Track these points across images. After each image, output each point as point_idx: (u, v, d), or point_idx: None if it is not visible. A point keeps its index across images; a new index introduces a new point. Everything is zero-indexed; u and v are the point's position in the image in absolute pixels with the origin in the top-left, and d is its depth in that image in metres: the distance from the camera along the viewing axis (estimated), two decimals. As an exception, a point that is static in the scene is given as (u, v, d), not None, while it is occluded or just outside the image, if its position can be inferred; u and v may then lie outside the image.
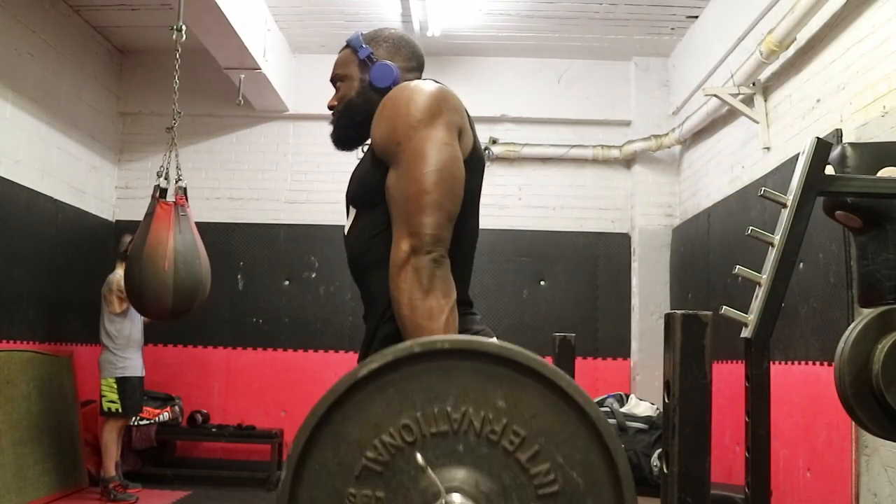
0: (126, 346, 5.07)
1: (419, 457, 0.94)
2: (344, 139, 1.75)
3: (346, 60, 1.72)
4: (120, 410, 4.98)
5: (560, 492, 0.94)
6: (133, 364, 5.09)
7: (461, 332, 1.52)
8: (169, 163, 4.21)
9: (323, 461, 0.97)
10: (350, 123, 1.71)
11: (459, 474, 0.94)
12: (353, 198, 1.62)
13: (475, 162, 1.57)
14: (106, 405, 4.97)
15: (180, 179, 4.23)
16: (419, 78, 1.73)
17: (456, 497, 0.93)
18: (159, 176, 4.18)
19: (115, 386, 4.98)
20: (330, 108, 1.74)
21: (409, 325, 1.38)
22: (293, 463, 0.97)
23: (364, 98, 1.67)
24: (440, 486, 0.93)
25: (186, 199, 4.22)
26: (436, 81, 1.60)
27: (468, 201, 1.53)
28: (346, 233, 1.65)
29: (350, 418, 0.97)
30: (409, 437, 0.95)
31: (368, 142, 1.68)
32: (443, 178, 1.44)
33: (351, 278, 1.71)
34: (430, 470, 0.94)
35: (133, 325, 5.11)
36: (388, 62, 1.67)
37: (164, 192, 4.12)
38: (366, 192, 1.57)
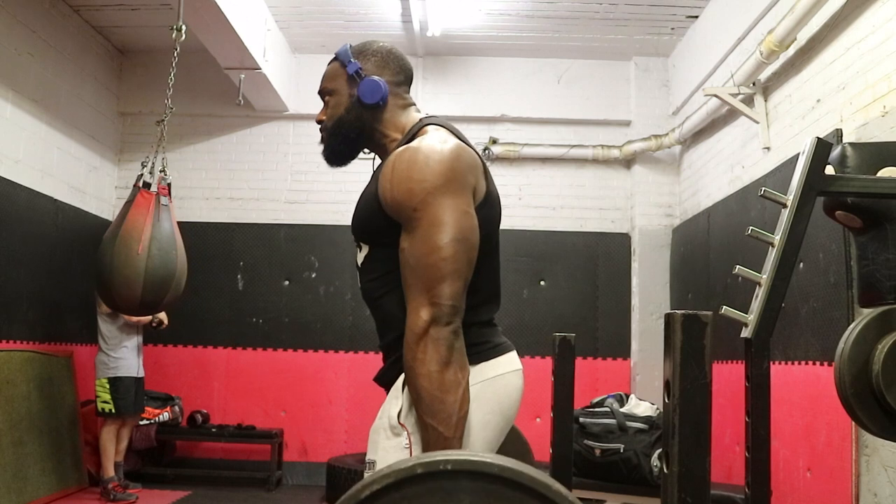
0: (118, 346, 5.06)
1: None
2: (336, 157, 1.75)
3: (334, 74, 1.71)
4: (113, 411, 4.97)
5: None
6: (126, 364, 5.07)
7: (485, 343, 1.55)
8: (156, 156, 4.15)
9: None
10: (341, 140, 1.71)
11: None
12: (362, 236, 1.63)
13: (491, 202, 1.58)
14: (100, 406, 4.97)
15: (164, 172, 4.16)
16: (408, 92, 1.73)
17: None
18: (143, 167, 4.13)
19: (108, 386, 4.98)
20: (318, 122, 1.74)
21: (427, 396, 1.39)
22: None
23: (353, 114, 1.67)
24: None
25: (170, 192, 4.12)
26: (446, 128, 1.59)
27: (492, 236, 1.56)
28: (359, 264, 1.65)
29: None
30: None
31: (364, 152, 1.70)
32: (462, 247, 1.44)
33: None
34: None
35: (127, 325, 5.10)
36: (377, 78, 1.66)
37: (147, 184, 4.04)
38: (375, 234, 1.58)
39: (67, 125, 5.49)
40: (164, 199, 3.98)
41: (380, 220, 1.53)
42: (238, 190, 6.31)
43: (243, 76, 5.40)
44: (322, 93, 1.74)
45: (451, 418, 1.39)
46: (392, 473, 0.94)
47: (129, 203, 3.95)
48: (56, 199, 5.32)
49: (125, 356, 5.09)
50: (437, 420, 1.39)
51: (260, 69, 5.35)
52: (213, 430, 5.80)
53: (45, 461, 4.76)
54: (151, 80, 6.18)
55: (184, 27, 4.16)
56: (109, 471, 4.96)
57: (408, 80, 1.74)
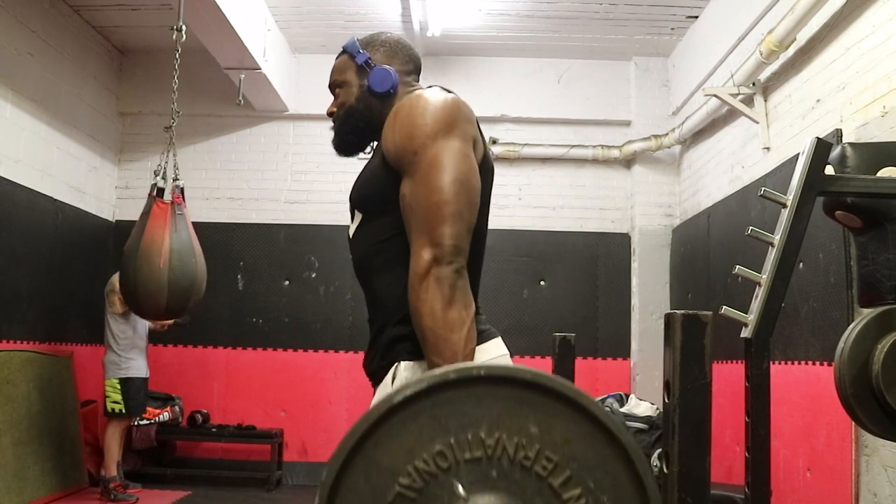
0: (130, 347, 5.09)
1: (459, 488, 0.95)
2: (346, 145, 1.75)
3: (343, 66, 1.71)
4: (123, 411, 4.99)
5: None
6: (136, 365, 5.10)
7: None
8: (167, 162, 4.19)
9: (355, 487, 0.97)
10: (351, 129, 1.71)
11: (493, 500, 0.95)
12: (359, 203, 1.62)
13: (486, 170, 1.58)
14: (110, 406, 4.98)
15: (178, 179, 4.22)
16: (417, 81, 1.74)
17: None
18: (156, 175, 4.17)
19: (119, 387, 4.99)
20: (329, 114, 1.74)
21: (431, 335, 1.39)
22: (326, 490, 0.98)
23: (364, 103, 1.67)
24: None
25: (184, 198, 4.19)
26: (446, 90, 1.60)
27: (480, 209, 1.54)
28: (350, 235, 1.65)
29: (382, 445, 0.97)
30: (443, 463, 0.96)
31: (371, 146, 1.69)
32: (463, 188, 1.45)
33: (351, 278, 1.72)
34: (466, 499, 0.95)
35: (136, 325, 5.12)
36: (386, 66, 1.66)
37: (161, 191, 4.10)
38: (373, 197, 1.57)
39: (67, 125, 5.49)
40: (178, 209, 4.05)
41: (380, 179, 1.53)
42: (238, 190, 6.31)
43: (243, 76, 5.40)
44: (332, 86, 1.74)
45: (457, 356, 1.39)
46: (425, 379, 0.96)
47: (145, 214, 4.02)
48: (56, 199, 5.32)
49: (136, 357, 5.11)
50: (443, 358, 1.39)
51: (260, 69, 5.35)
52: (213, 430, 5.80)
53: (45, 461, 4.76)
54: (151, 80, 6.18)
55: (184, 27, 4.16)
56: (112, 470, 4.96)
57: (417, 69, 1.75)
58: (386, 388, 1.53)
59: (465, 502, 0.95)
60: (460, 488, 0.95)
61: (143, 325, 5.18)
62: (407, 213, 1.47)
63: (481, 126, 1.64)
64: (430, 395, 0.96)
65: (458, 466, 0.95)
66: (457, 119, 1.50)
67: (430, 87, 1.65)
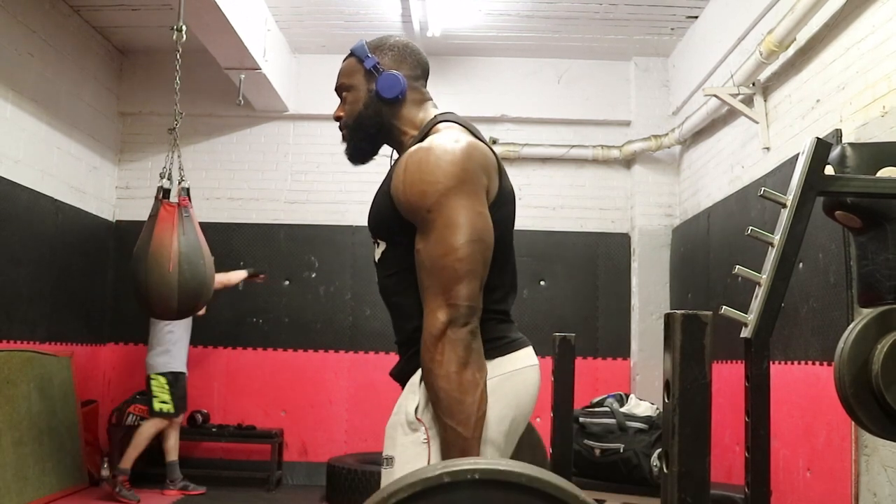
0: (177, 341, 5.17)
1: None
2: (359, 154, 1.74)
3: (351, 70, 1.70)
4: (172, 411, 5.07)
5: None
6: (181, 361, 5.20)
7: (501, 338, 1.57)
8: (171, 164, 4.20)
9: None
10: (363, 137, 1.70)
11: None
12: (378, 233, 1.64)
13: (505, 200, 1.60)
14: (157, 406, 5.04)
15: (183, 180, 4.22)
16: (424, 86, 1.72)
17: None
18: (162, 177, 4.17)
19: (167, 385, 5.05)
20: (336, 118, 1.73)
21: (445, 397, 1.40)
22: None
23: (373, 109, 1.67)
24: None
25: (189, 199, 4.20)
26: (459, 125, 1.59)
27: (507, 233, 1.59)
28: (376, 260, 1.66)
29: None
30: None
31: (385, 152, 1.70)
32: (478, 248, 1.45)
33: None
34: None
35: (182, 322, 5.17)
36: (395, 72, 1.65)
37: (167, 192, 4.11)
38: (390, 231, 1.58)
39: (67, 125, 5.49)
40: (185, 211, 4.06)
41: (393, 219, 1.54)
42: (238, 190, 6.31)
43: (243, 76, 5.40)
44: (339, 89, 1.73)
45: (470, 419, 1.39)
46: (419, 482, 0.95)
47: (153, 217, 4.03)
48: (56, 199, 5.32)
49: (182, 352, 5.16)
50: (455, 421, 1.39)
51: (260, 69, 5.35)
52: (213, 430, 5.80)
53: (45, 461, 4.76)
54: (151, 80, 6.19)
55: (184, 27, 4.16)
56: (129, 463, 4.97)
57: (424, 74, 1.73)
58: (413, 385, 1.54)
59: None
60: None
61: (187, 320, 5.23)
62: (420, 269, 1.47)
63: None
64: (424, 497, 0.94)
65: None
66: (469, 172, 1.49)
67: (443, 116, 1.64)
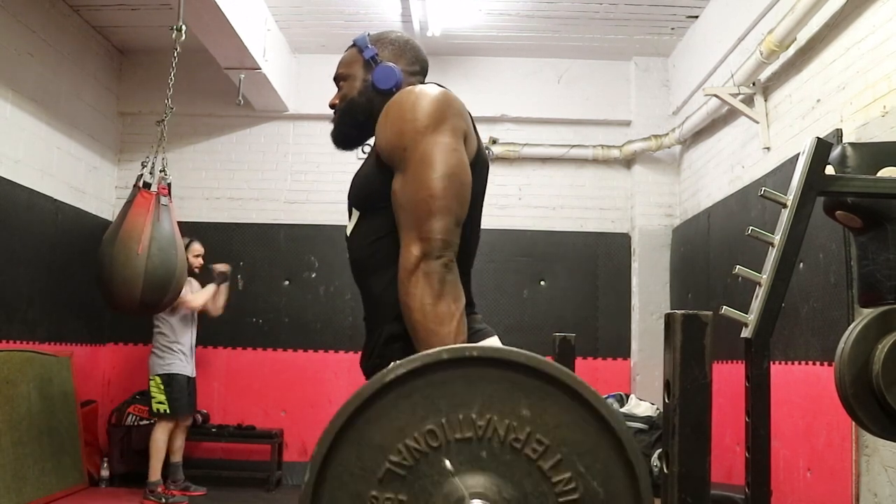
0: (175, 343, 5.12)
1: (447, 462, 0.95)
2: (345, 138, 1.75)
3: (350, 60, 1.72)
4: (168, 411, 5.02)
5: (580, 500, 0.96)
6: (181, 363, 5.14)
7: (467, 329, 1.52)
8: (156, 156, 4.16)
9: (346, 464, 0.98)
10: (351, 123, 1.72)
11: (482, 480, 0.96)
12: (355, 200, 1.63)
13: (479, 165, 1.58)
14: (155, 406, 5.01)
15: (164, 171, 4.16)
16: (422, 83, 1.73)
17: (478, 502, 0.94)
18: (143, 167, 4.13)
19: (162, 385, 5.02)
20: (331, 106, 1.75)
21: (421, 329, 1.39)
22: (317, 465, 0.97)
23: (366, 98, 1.68)
24: (464, 491, 0.94)
25: (170, 193, 4.13)
26: (439, 85, 1.60)
27: (472, 204, 1.54)
28: (348, 234, 1.65)
29: (374, 422, 0.97)
30: (433, 442, 0.96)
31: (370, 142, 1.69)
32: (451, 183, 1.45)
33: (351, 278, 1.72)
34: (455, 476, 0.95)
35: (183, 322, 5.15)
36: (392, 64, 1.67)
37: (147, 184, 4.06)
38: (369, 195, 1.57)
39: (67, 125, 5.49)
40: (164, 200, 3.98)
41: (375, 177, 1.54)
42: (238, 190, 6.31)
43: (243, 76, 5.40)
44: (337, 78, 1.75)
45: None
46: (418, 358, 0.97)
47: (129, 203, 3.96)
48: (56, 199, 5.32)
49: (180, 355, 5.13)
50: None
51: (260, 69, 5.35)
52: (213, 430, 5.80)
53: (45, 461, 4.76)
54: (151, 80, 6.18)
55: (184, 27, 4.16)
56: (157, 473, 4.95)
57: (423, 71, 1.75)
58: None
59: (448, 478, 0.95)
60: (448, 463, 0.95)
61: (192, 323, 5.22)
62: (397, 209, 1.48)
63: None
64: (422, 374, 0.97)
65: (448, 446, 0.96)
66: (446, 113, 1.50)
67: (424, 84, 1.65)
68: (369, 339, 1.62)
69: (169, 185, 4.12)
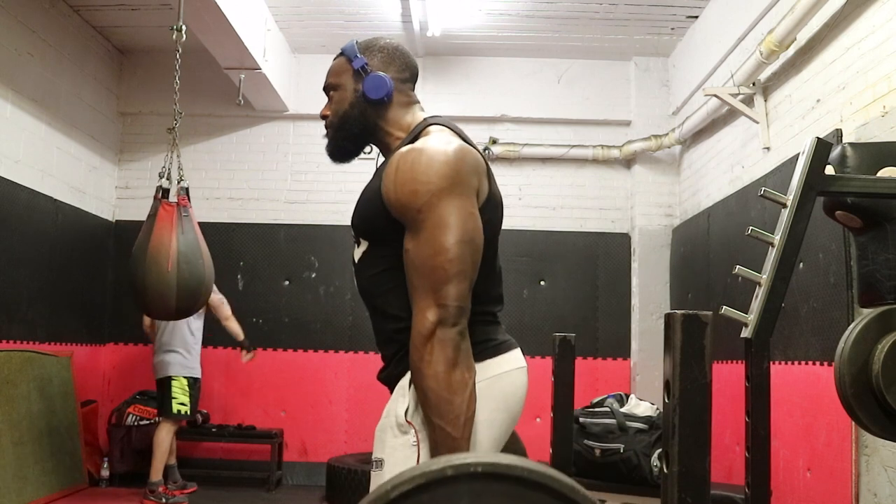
0: (196, 344, 5.16)
1: None
2: (341, 152, 1.75)
3: (339, 69, 1.71)
4: (188, 413, 5.04)
5: None
6: (198, 366, 5.20)
7: (488, 340, 1.56)
8: (171, 163, 4.20)
9: None
10: (346, 136, 1.71)
11: None
12: (361, 232, 1.62)
13: (493, 205, 1.59)
14: (176, 407, 4.99)
15: (182, 180, 4.22)
16: (412, 89, 1.73)
17: None
18: (161, 177, 4.17)
19: (189, 388, 5.03)
20: (322, 117, 1.74)
21: (434, 397, 1.40)
22: None
23: (358, 110, 1.67)
24: None
25: (189, 199, 4.21)
26: (450, 129, 1.60)
27: (495, 237, 1.57)
28: (355, 261, 1.65)
29: None
30: None
31: (371, 154, 1.70)
32: (468, 249, 1.45)
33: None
34: None
35: (195, 325, 5.18)
36: (382, 74, 1.66)
37: (166, 192, 4.12)
38: (375, 230, 1.58)
39: (67, 125, 5.49)
40: (184, 210, 4.07)
41: (382, 218, 1.53)
42: (238, 190, 6.31)
43: (243, 76, 5.40)
44: (327, 88, 1.74)
45: (460, 419, 1.39)
46: (423, 475, 0.95)
47: (152, 216, 4.04)
48: (56, 199, 5.32)
49: (198, 357, 5.17)
50: (445, 421, 1.39)
51: (260, 69, 5.35)
52: (213, 430, 5.80)
53: (45, 461, 4.76)
54: (151, 80, 6.19)
55: (184, 27, 4.16)
56: (159, 473, 4.94)
57: (413, 77, 1.73)
58: (402, 388, 1.53)
59: None
60: None
61: (199, 326, 5.24)
62: (410, 269, 1.47)
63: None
64: (427, 490, 0.94)
65: None
66: (461, 174, 1.49)
67: (432, 119, 1.64)
68: (383, 354, 1.63)
69: (187, 189, 4.18)
